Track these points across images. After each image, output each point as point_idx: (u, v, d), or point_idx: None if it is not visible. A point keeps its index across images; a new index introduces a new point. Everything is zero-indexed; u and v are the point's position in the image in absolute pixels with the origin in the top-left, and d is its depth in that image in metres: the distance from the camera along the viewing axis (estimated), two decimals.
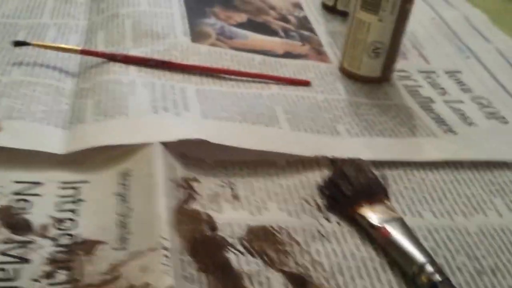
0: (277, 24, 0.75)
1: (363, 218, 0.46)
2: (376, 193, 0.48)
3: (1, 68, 0.58)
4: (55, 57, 0.61)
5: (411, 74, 0.69)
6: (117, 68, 0.59)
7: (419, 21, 0.79)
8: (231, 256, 0.42)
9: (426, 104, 0.63)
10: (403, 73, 0.68)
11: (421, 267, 0.42)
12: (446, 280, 0.41)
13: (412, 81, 0.67)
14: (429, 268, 0.42)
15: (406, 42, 0.71)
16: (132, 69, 0.60)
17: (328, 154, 0.52)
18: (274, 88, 0.62)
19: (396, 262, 0.44)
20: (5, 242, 0.41)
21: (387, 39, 0.62)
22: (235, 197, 0.48)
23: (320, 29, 0.76)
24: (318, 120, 0.57)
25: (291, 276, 0.42)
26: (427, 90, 0.66)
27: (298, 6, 0.81)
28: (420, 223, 0.48)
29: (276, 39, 0.72)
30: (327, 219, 0.47)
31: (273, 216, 0.47)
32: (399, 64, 0.67)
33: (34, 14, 0.70)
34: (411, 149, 0.55)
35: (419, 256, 0.43)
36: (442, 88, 0.67)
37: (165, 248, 0.39)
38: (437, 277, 0.41)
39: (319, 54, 0.70)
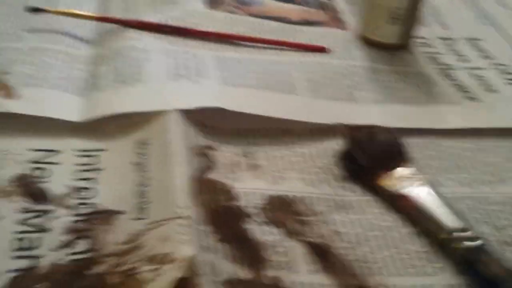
0: None
1: (383, 188, 0.45)
2: (395, 160, 0.47)
3: (15, 35, 0.57)
4: (70, 23, 0.60)
5: (431, 41, 0.68)
6: (132, 34, 0.59)
7: None
8: (251, 226, 0.42)
9: (446, 71, 0.62)
10: (422, 40, 0.67)
11: (452, 233, 0.41)
12: (482, 245, 0.40)
13: (431, 48, 0.66)
14: (461, 233, 0.41)
15: (425, 9, 0.70)
16: (148, 36, 0.59)
17: (346, 121, 0.51)
18: (292, 55, 0.61)
19: (423, 231, 0.43)
20: (24, 211, 0.41)
21: (406, 5, 0.61)
22: (254, 166, 0.47)
23: None
24: (336, 87, 0.56)
25: (311, 246, 0.41)
26: (447, 57, 0.65)
27: None
28: (446, 191, 0.46)
29: (293, 6, 0.71)
30: (346, 189, 0.46)
31: (292, 185, 0.46)
32: (418, 30, 0.65)
33: None
34: (433, 117, 0.55)
35: (449, 221, 0.42)
36: (462, 55, 0.66)
37: (186, 217, 0.39)
38: (472, 243, 0.40)
39: (337, 21, 0.69)
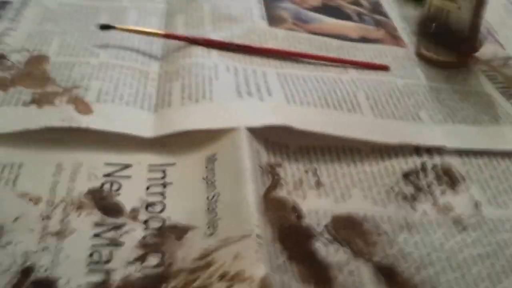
0: (350, 8, 0.75)
1: None
2: None
3: (88, 50, 0.59)
4: (139, 40, 0.62)
5: (488, 60, 0.67)
6: (199, 51, 0.60)
7: (491, 7, 0.77)
8: (319, 244, 0.42)
9: (506, 91, 0.61)
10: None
11: None
12: None
13: (489, 66, 0.66)
14: None
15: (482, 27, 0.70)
16: (214, 53, 0.60)
17: (412, 141, 0.51)
18: (353, 73, 0.61)
19: (488, 254, 0.43)
20: (98, 225, 0.42)
21: (465, 26, 0.61)
22: (319, 183, 0.48)
23: (393, 13, 0.75)
24: (400, 106, 0.56)
25: (379, 267, 0.41)
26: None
27: None
28: (506, 214, 0.47)
29: (350, 24, 0.72)
30: (414, 208, 0.46)
31: (357, 203, 0.46)
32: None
33: None
34: (495, 138, 0.54)
35: None
36: None
37: (258, 236, 0.39)
38: None
39: (394, 38, 0.70)
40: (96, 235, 0.41)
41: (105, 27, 0.61)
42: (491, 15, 0.75)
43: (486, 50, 0.69)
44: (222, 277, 0.37)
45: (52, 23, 0.63)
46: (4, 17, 0.64)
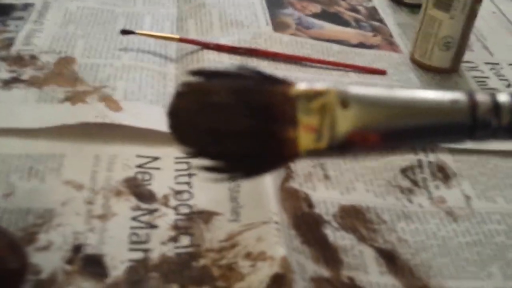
0: (348, 15, 0.79)
1: None
2: None
3: (111, 53, 0.63)
4: (154, 43, 0.66)
5: (477, 65, 0.72)
6: (210, 55, 0.64)
7: (481, 14, 0.82)
8: (328, 231, 0.47)
9: None
10: (470, 64, 0.72)
11: None
12: None
13: (479, 72, 0.71)
14: None
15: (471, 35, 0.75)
16: (224, 57, 0.65)
17: None
18: (353, 77, 0.66)
19: (476, 242, 0.48)
20: (135, 209, 0.46)
21: (458, 34, 0.66)
22: (326, 177, 0.53)
23: (389, 20, 0.80)
24: None
25: (381, 251, 0.46)
26: (493, 81, 0.69)
27: None
28: (493, 208, 0.52)
29: (349, 30, 0.76)
30: (410, 201, 0.52)
31: (360, 195, 0.51)
32: (466, 55, 0.70)
33: (127, 1, 0.75)
34: None
35: None
36: (507, 80, 0.70)
37: (276, 222, 0.44)
38: None
39: (390, 44, 0.74)
40: (134, 219, 0.45)
41: (126, 32, 0.65)
42: (480, 22, 0.80)
43: (474, 56, 0.74)
44: (246, 256, 0.42)
45: (74, 26, 0.68)
46: (28, 19, 0.68)
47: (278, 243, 0.43)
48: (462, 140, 0.33)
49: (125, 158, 0.51)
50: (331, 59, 0.68)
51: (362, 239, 0.47)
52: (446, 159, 0.56)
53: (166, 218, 0.46)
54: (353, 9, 0.81)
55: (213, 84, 0.34)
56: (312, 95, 0.33)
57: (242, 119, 0.33)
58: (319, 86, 0.33)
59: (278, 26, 0.73)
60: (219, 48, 0.65)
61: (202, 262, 0.43)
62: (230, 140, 0.33)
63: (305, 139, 0.32)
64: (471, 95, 0.33)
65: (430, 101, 0.33)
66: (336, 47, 0.71)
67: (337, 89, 0.33)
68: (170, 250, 0.44)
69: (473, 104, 0.32)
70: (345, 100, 0.32)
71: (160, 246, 0.44)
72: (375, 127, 0.32)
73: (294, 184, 0.51)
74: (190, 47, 0.66)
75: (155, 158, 0.51)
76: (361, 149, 0.33)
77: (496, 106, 0.33)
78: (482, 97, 0.33)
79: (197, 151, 0.33)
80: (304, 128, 0.32)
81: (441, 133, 0.33)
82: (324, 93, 0.33)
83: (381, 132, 0.32)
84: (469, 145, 0.57)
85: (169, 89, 0.60)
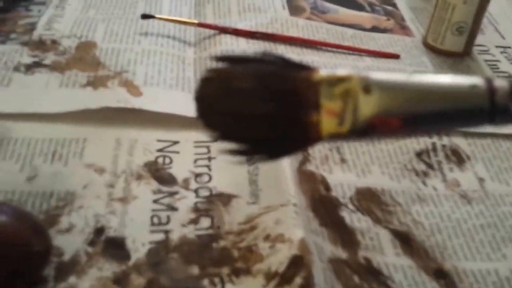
0: None
1: None
2: None
3: (131, 38, 0.64)
4: (173, 28, 0.67)
5: (489, 49, 0.73)
6: (228, 39, 0.65)
7: None
8: (345, 213, 0.48)
9: (506, 78, 0.67)
10: (481, 47, 0.73)
11: None
12: None
13: (490, 55, 0.71)
14: None
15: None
16: (242, 41, 0.66)
17: None
18: (367, 61, 0.67)
19: (489, 224, 0.49)
20: (156, 192, 0.47)
21: (470, 19, 0.66)
22: (343, 160, 0.54)
23: (401, 4, 0.81)
24: None
25: (396, 233, 0.47)
26: (505, 65, 0.70)
27: None
28: (507, 190, 0.53)
29: (363, 14, 0.77)
30: (425, 184, 0.52)
31: (376, 178, 0.52)
32: (477, 38, 0.70)
33: None
34: None
35: None
36: None
37: (294, 205, 0.45)
38: None
39: (403, 28, 0.75)
40: (155, 201, 0.47)
41: (146, 16, 0.66)
42: (492, 6, 0.79)
43: (486, 39, 0.74)
44: (265, 238, 0.43)
45: (95, 10, 0.69)
46: (50, 4, 0.69)
47: (296, 226, 0.44)
48: (482, 124, 0.34)
49: (145, 143, 0.52)
50: (346, 43, 0.69)
51: (377, 221, 0.48)
52: (460, 142, 0.57)
53: (186, 201, 0.47)
54: None
55: (238, 70, 0.35)
56: (334, 81, 0.33)
57: (266, 104, 0.34)
58: (341, 72, 0.34)
59: (294, 10, 0.74)
60: (237, 32, 0.66)
61: (222, 243, 0.44)
62: (254, 124, 0.34)
63: (327, 123, 0.33)
64: (489, 80, 0.34)
65: (449, 86, 0.34)
66: (350, 31, 0.72)
67: (359, 75, 0.33)
68: (190, 232, 0.45)
69: (491, 90, 0.33)
70: (367, 86, 0.33)
71: (180, 228, 0.45)
72: (396, 112, 0.33)
73: (311, 167, 0.52)
74: (208, 31, 0.67)
75: (175, 142, 0.52)
76: (382, 134, 0.33)
77: None
78: (499, 83, 0.33)
79: (222, 135, 0.34)
80: (327, 113, 0.33)
81: (461, 117, 0.34)
82: (346, 79, 0.33)
83: (402, 117, 0.33)
84: (482, 128, 0.58)
85: (188, 73, 0.60)
